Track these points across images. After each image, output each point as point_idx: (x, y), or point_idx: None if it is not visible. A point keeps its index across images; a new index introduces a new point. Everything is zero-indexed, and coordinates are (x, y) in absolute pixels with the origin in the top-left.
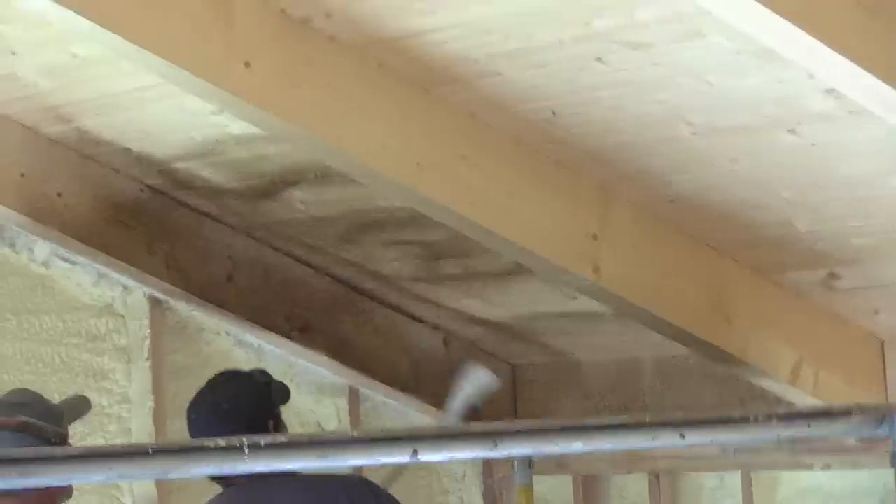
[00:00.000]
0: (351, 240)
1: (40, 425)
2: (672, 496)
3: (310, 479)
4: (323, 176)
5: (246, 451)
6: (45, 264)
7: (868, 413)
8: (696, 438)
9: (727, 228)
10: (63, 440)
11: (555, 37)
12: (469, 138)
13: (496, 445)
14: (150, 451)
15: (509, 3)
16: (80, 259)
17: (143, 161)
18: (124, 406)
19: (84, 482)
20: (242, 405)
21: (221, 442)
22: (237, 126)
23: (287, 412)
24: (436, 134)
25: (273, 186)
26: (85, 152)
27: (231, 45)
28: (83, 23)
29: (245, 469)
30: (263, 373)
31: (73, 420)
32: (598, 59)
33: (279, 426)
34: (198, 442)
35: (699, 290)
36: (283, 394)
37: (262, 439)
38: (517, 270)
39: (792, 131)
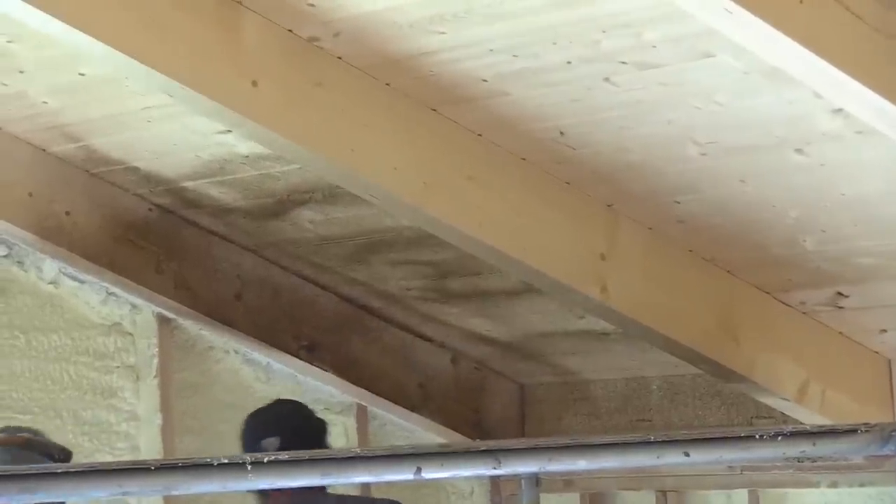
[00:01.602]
0: (359, 259)
1: (45, 442)
2: None
3: (344, 498)
4: (331, 195)
5: (249, 468)
6: (54, 283)
7: (874, 431)
8: (702, 457)
9: (735, 248)
10: (68, 457)
11: (563, 57)
12: (477, 158)
13: (500, 463)
14: (153, 468)
15: (518, 23)
16: (89, 277)
17: (151, 180)
18: (132, 424)
19: (87, 498)
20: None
21: (225, 459)
22: (245, 146)
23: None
24: (443, 154)
25: (281, 206)
26: (93, 171)
27: (239, 64)
28: (91, 43)
29: (249, 486)
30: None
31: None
32: (607, 80)
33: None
34: (201, 459)
35: (707, 308)
36: (320, 433)
37: (266, 457)
38: (525, 290)
39: (800, 151)
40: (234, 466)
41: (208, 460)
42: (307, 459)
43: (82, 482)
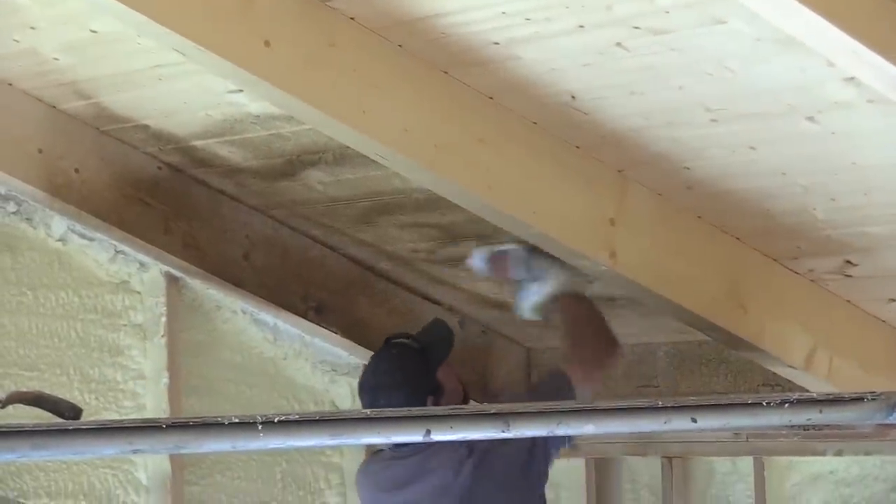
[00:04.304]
0: (368, 221)
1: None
2: (684, 480)
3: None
4: (341, 156)
5: (260, 427)
6: (62, 240)
7: (880, 400)
8: (709, 422)
9: (744, 215)
10: (78, 414)
11: (575, 21)
12: (488, 121)
13: (509, 426)
14: (165, 426)
15: None
16: (97, 235)
17: (161, 138)
18: (139, 382)
19: (97, 455)
20: (399, 396)
21: (235, 418)
22: (256, 105)
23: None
24: (454, 116)
25: (291, 166)
26: (103, 129)
27: (251, 23)
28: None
29: (259, 445)
30: (417, 340)
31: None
32: (619, 44)
33: (440, 398)
34: (212, 417)
35: (715, 276)
36: (441, 347)
37: (277, 417)
38: None
39: (811, 119)
40: (244, 426)
41: (219, 419)
42: (317, 420)
43: (93, 439)
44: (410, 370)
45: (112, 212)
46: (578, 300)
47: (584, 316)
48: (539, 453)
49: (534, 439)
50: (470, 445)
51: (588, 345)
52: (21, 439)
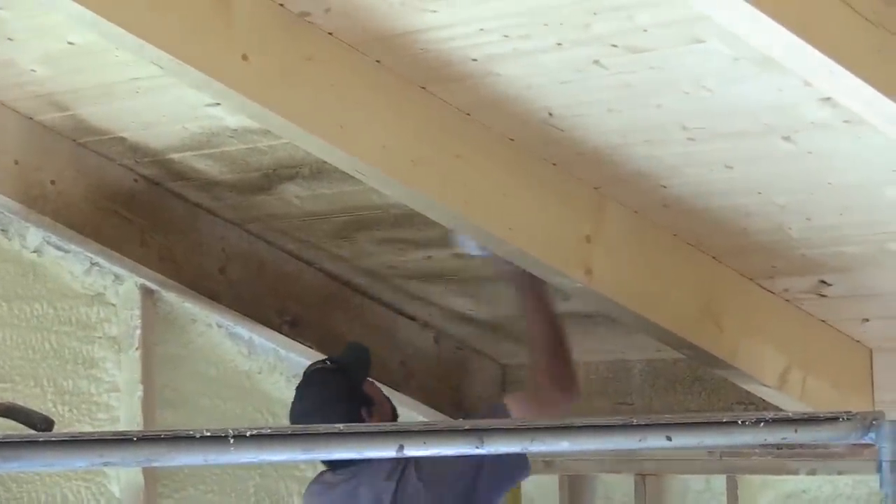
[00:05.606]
0: (345, 236)
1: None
2: (658, 498)
3: None
4: (318, 171)
5: (231, 441)
6: (38, 251)
7: (855, 420)
8: (683, 441)
9: (720, 233)
10: (50, 426)
11: (554, 38)
12: (465, 137)
13: (483, 442)
14: (136, 439)
15: (509, 3)
16: (73, 247)
17: (137, 151)
18: (113, 395)
19: (68, 468)
20: (333, 413)
21: (207, 432)
22: (233, 119)
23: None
24: (432, 132)
25: (268, 180)
26: (80, 141)
27: (229, 37)
28: (82, 12)
29: (231, 459)
30: (334, 363)
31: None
32: (597, 62)
33: (372, 409)
34: (183, 430)
35: (690, 294)
36: (360, 366)
37: (249, 431)
38: None
39: (787, 139)
40: (216, 439)
41: (191, 432)
42: (290, 434)
43: (64, 452)
44: (339, 388)
45: (88, 224)
46: (546, 316)
47: (551, 346)
48: (484, 482)
49: (481, 466)
50: (397, 474)
51: (548, 386)
52: None
